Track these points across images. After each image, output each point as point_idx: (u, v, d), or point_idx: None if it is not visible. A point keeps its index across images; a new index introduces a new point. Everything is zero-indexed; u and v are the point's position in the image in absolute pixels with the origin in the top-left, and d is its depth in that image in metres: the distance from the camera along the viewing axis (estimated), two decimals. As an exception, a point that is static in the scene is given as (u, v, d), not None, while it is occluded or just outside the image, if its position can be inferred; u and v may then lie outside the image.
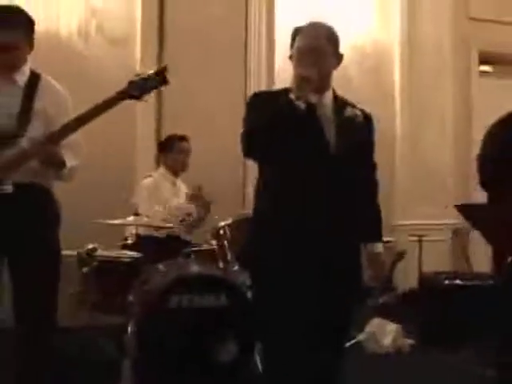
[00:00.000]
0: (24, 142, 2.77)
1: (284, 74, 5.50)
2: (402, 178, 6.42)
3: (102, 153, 4.87)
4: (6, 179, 2.75)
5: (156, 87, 2.79)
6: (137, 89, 2.74)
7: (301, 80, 2.46)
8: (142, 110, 5.04)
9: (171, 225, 4.19)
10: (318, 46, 2.59)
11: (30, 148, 2.74)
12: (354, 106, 2.70)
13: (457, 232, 6.57)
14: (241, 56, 5.62)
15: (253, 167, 5.38)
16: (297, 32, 2.68)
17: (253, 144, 2.56)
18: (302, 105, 2.43)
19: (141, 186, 4.58)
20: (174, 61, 5.00)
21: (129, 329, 3.58)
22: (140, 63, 5.23)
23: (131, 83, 2.74)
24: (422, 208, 6.19)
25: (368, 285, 3.63)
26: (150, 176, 4.65)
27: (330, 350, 2.73)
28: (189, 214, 4.45)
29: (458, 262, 6.50)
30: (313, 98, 2.52)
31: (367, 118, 2.74)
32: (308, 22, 2.72)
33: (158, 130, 5.31)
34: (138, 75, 2.77)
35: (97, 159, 4.58)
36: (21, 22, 2.85)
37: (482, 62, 6.84)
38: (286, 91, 2.55)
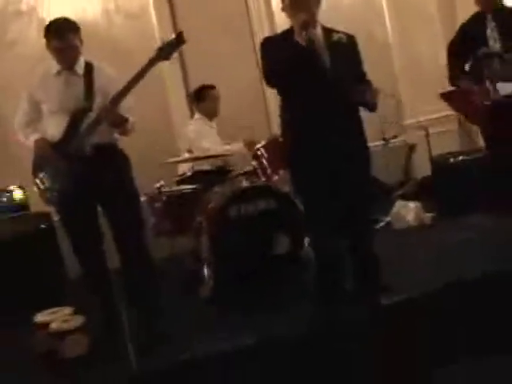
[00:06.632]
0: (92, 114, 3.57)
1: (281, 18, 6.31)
2: (404, 83, 7.14)
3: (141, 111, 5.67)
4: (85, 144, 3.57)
5: (177, 48, 3.54)
6: (165, 52, 3.49)
7: (302, 24, 3.30)
8: (169, 69, 5.80)
9: (228, 153, 5.04)
10: None
11: (101, 113, 3.51)
12: (338, 32, 3.52)
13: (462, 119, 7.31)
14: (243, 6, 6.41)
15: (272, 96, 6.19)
16: None
17: (273, 81, 3.47)
18: (304, 43, 3.30)
19: (186, 131, 5.43)
20: (186, 23, 5.83)
21: (202, 242, 4.48)
22: (158, 31, 6.00)
23: (160, 49, 3.48)
24: (425, 105, 6.88)
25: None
26: (191, 124, 5.52)
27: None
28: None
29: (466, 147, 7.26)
30: (311, 34, 3.37)
31: (351, 39, 3.57)
32: None
33: (186, 84, 6.12)
34: (163, 42, 3.52)
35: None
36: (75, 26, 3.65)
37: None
38: (289, 32, 3.41)
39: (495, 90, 4.24)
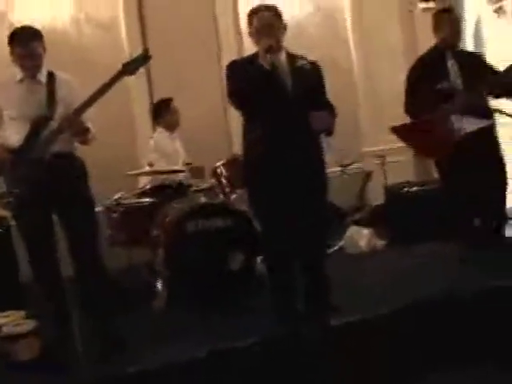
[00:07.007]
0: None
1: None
2: (365, 111, 7.33)
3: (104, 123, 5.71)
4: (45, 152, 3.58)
5: (143, 64, 3.65)
6: (130, 67, 3.57)
7: (266, 48, 3.44)
8: (135, 83, 5.86)
9: (184, 168, 5.14)
10: (270, 23, 3.60)
11: (64, 122, 3.55)
12: (302, 58, 3.67)
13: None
14: (212, 26, 6.53)
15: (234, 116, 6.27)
16: (252, 14, 3.67)
17: (237, 101, 3.60)
18: (268, 67, 3.44)
19: (149, 146, 5.51)
20: (155, 37, 5.93)
21: (158, 255, 4.53)
22: (127, 43, 6.11)
23: (125, 64, 3.57)
24: (384, 135, 7.05)
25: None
26: (152, 137, 5.59)
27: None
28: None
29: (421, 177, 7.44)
30: (275, 59, 3.51)
31: (315, 66, 3.71)
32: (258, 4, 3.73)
33: (151, 97, 6.20)
34: (130, 57, 3.64)
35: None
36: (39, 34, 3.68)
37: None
38: (254, 56, 3.54)
39: (460, 124, 4.39)
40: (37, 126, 3.61)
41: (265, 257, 4.10)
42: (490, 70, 4.63)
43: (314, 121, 3.56)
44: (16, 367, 3.40)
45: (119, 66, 3.56)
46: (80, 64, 5.70)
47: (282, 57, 3.65)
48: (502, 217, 4.72)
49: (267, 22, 3.60)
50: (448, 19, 4.64)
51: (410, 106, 4.58)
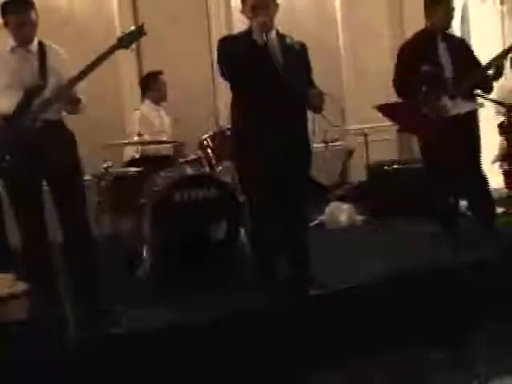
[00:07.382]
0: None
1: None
2: (350, 90, 7.47)
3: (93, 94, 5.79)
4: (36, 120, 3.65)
5: (138, 38, 3.73)
6: (125, 42, 3.66)
7: (261, 25, 3.54)
8: (125, 55, 5.91)
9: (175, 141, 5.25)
10: (264, 1, 3.67)
11: (58, 92, 3.66)
12: (291, 38, 3.77)
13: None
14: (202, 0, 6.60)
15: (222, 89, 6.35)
16: None
17: (230, 76, 3.69)
18: (262, 42, 3.54)
19: (133, 116, 5.60)
20: (146, 10, 6.00)
21: (144, 223, 4.65)
22: (118, 14, 6.17)
23: (120, 38, 3.65)
24: (369, 113, 7.17)
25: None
26: (138, 109, 5.67)
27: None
28: None
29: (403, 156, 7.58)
30: (270, 35, 3.63)
31: (302, 46, 3.82)
32: None
33: (140, 69, 6.28)
34: (123, 32, 3.70)
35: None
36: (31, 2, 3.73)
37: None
38: (246, 33, 3.64)
39: (449, 106, 4.49)
40: (30, 94, 3.65)
41: (251, 228, 4.18)
42: (474, 59, 4.73)
43: (313, 98, 3.67)
44: (7, 327, 3.50)
45: (109, 35, 3.63)
46: (70, 33, 5.78)
47: (273, 36, 3.74)
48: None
49: (262, 0, 3.67)
50: (440, 2, 4.71)
51: (400, 85, 4.64)
